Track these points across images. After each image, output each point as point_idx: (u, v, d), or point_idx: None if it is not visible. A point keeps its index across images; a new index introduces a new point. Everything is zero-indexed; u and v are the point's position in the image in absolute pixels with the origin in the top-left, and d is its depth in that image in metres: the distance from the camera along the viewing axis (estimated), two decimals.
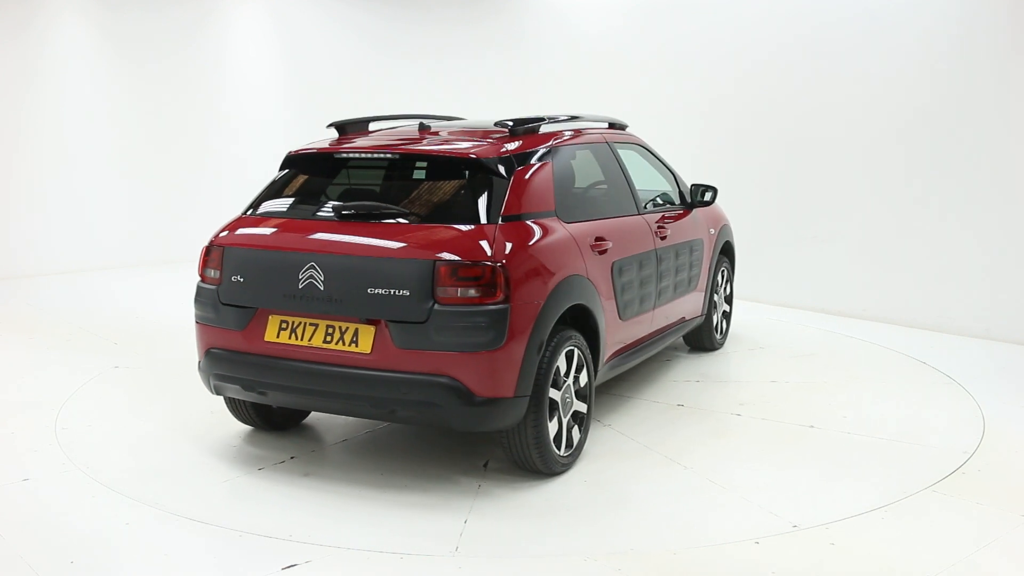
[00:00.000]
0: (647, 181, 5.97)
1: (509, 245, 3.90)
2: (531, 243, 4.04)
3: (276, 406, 4.56)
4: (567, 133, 4.85)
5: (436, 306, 3.77)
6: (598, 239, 4.57)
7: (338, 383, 3.94)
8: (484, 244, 3.84)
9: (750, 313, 7.76)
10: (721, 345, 6.61)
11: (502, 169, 4.13)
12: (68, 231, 9.90)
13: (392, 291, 3.82)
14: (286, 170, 4.58)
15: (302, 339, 4.02)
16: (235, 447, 4.64)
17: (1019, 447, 4.71)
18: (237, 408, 4.71)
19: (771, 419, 5.00)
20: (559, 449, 4.18)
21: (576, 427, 4.33)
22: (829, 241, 7.90)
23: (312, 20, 11.58)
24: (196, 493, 4.08)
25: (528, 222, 4.12)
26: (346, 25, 11.63)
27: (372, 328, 3.89)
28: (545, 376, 4.00)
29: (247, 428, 4.90)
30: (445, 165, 4.24)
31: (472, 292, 3.77)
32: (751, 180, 8.32)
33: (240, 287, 4.17)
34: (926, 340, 6.94)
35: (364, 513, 3.88)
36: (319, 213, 4.26)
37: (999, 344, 6.80)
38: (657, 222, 5.33)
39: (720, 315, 6.54)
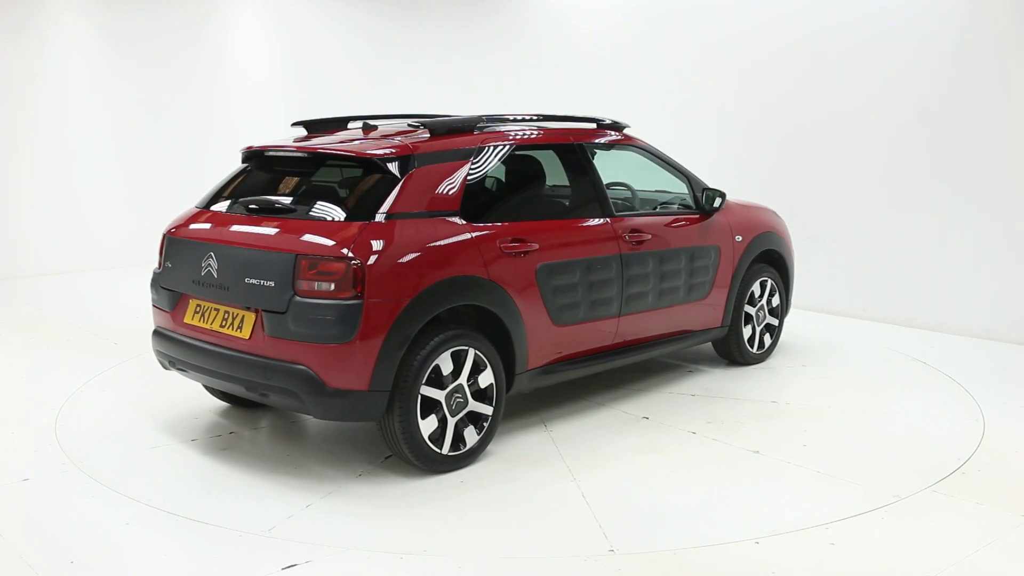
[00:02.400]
0: (650, 184, 5.92)
1: (373, 242, 4.00)
2: (402, 241, 4.09)
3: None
4: (509, 134, 4.82)
5: (295, 298, 3.98)
6: (516, 241, 4.53)
7: (225, 364, 4.25)
8: (344, 241, 3.99)
9: (830, 327, 7.37)
10: (761, 359, 6.21)
11: (393, 168, 4.24)
12: (68, 231, 9.90)
13: (262, 282, 4.09)
14: (242, 165, 4.88)
15: (207, 322, 4.37)
16: (258, 454, 4.64)
17: (1019, 447, 4.71)
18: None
19: (722, 440, 4.72)
20: (440, 448, 4.21)
21: (473, 428, 4.34)
22: (829, 241, 7.90)
23: (312, 20, 11.58)
24: (197, 492, 4.09)
25: (411, 221, 4.16)
26: (346, 25, 11.63)
27: (253, 315, 4.15)
28: (415, 373, 4.07)
29: (244, 423, 4.93)
30: (343, 164, 4.46)
31: (328, 286, 3.94)
32: (751, 180, 8.31)
33: (169, 272, 4.65)
34: (926, 340, 6.94)
35: (226, 487, 4.17)
36: (234, 207, 4.56)
37: (999, 344, 6.80)
38: (632, 226, 5.15)
39: (761, 328, 6.16)
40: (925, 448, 4.64)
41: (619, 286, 5.04)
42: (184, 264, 4.51)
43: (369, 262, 3.95)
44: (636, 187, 5.88)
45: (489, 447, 4.55)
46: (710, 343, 6.11)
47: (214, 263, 4.30)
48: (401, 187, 4.20)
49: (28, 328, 7.29)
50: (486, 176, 4.65)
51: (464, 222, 4.37)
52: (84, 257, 9.99)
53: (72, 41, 9.78)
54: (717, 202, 5.68)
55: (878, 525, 3.75)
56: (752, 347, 6.13)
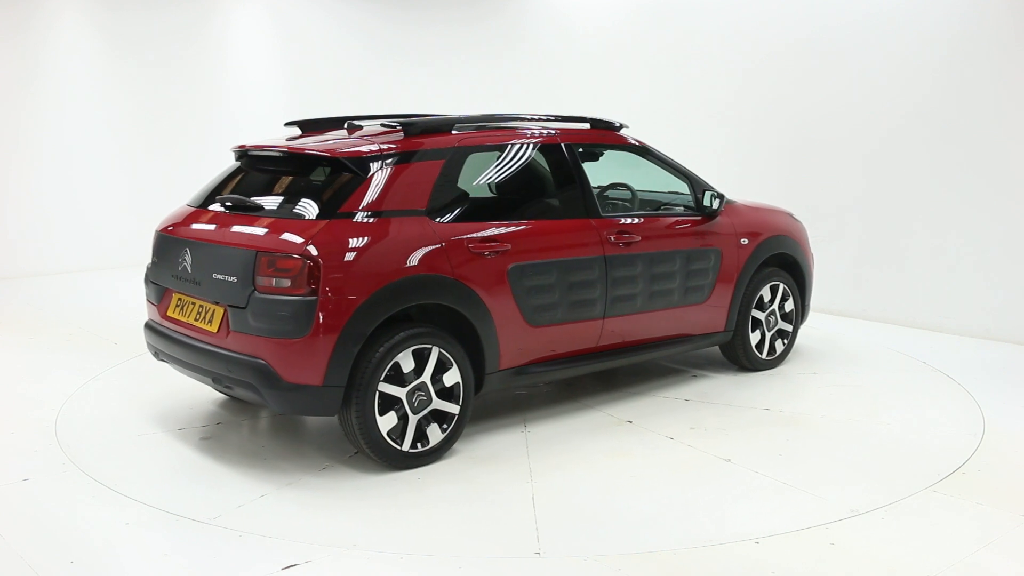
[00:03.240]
0: (657, 185, 5.84)
1: (329, 240, 4.08)
2: (360, 240, 4.15)
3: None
4: (487, 135, 4.83)
5: (255, 293, 4.09)
6: (485, 240, 4.53)
7: (197, 356, 4.40)
8: (302, 238, 4.08)
9: (832, 327, 7.19)
10: (772, 365, 6.03)
11: (358, 168, 4.32)
12: (68, 231, 9.90)
13: (226, 277, 4.22)
14: (235, 164, 4.98)
15: (185, 315, 4.52)
16: (234, 445, 4.65)
17: (1019, 447, 4.71)
18: None
19: (697, 447, 4.61)
20: (400, 445, 4.26)
21: (437, 426, 4.37)
22: (829, 241, 7.90)
23: (312, 20, 11.58)
24: (196, 492, 4.09)
25: (372, 220, 4.22)
26: (346, 25, 11.63)
27: (221, 310, 4.26)
28: (372, 370, 4.13)
29: (246, 422, 4.93)
30: (312, 163, 4.52)
31: (285, 283, 4.03)
32: (751, 181, 8.32)
33: (156, 267, 4.82)
34: (926, 340, 6.94)
35: (173, 474, 4.35)
36: (213, 205, 4.67)
37: (999, 344, 6.80)
38: (620, 228, 5.08)
39: (772, 334, 5.99)
40: (925, 448, 4.64)
41: (603, 288, 4.97)
42: (167, 259, 4.68)
43: (324, 260, 4.02)
44: (641, 188, 5.81)
45: (458, 445, 4.58)
46: (719, 348, 6.01)
47: (189, 258, 4.46)
48: (364, 187, 4.27)
49: (28, 328, 7.29)
50: (460, 176, 4.65)
51: (431, 221, 4.40)
52: (84, 257, 9.99)
53: (72, 41, 9.78)
54: (715, 204, 5.54)
55: (878, 525, 3.75)
56: (761, 353, 5.97)
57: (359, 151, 4.40)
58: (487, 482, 4.22)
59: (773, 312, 6.00)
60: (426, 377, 4.32)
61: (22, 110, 9.48)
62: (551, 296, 4.77)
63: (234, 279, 4.17)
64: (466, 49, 11.05)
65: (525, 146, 5.02)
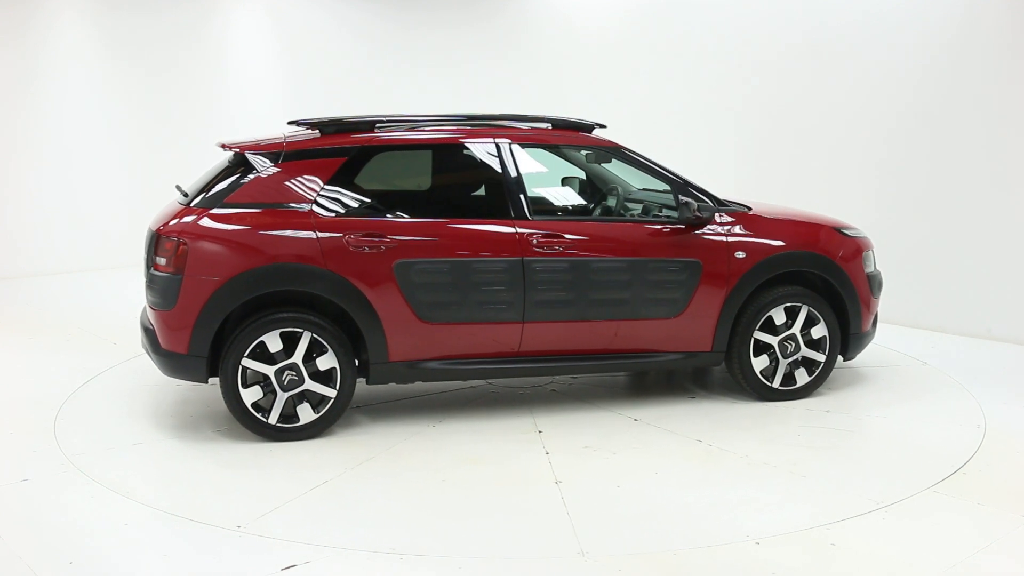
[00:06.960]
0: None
1: (200, 226, 4.60)
2: (230, 227, 4.61)
3: None
4: (405, 135, 5.02)
5: (151, 270, 4.69)
6: (368, 236, 4.69)
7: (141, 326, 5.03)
8: (179, 223, 4.64)
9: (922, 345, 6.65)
10: (790, 396, 5.33)
11: (253, 163, 4.79)
12: (68, 231, 9.90)
13: (145, 256, 4.81)
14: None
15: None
16: (235, 446, 4.64)
17: (1019, 447, 4.70)
18: None
19: (556, 466, 4.36)
20: (266, 417, 4.64)
21: (308, 406, 4.68)
22: None
23: (312, 20, 11.58)
24: (195, 493, 4.09)
25: (249, 211, 4.66)
26: (346, 25, 11.63)
27: None
28: (237, 346, 4.57)
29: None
30: (234, 158, 4.95)
31: (164, 261, 4.63)
32: (750, 181, 8.31)
33: None
34: (926, 340, 6.94)
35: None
36: (179, 196, 5.06)
37: (999, 344, 6.79)
38: (548, 230, 4.88)
39: (790, 362, 5.30)
40: (925, 448, 4.64)
41: (520, 291, 4.84)
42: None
43: (191, 243, 4.55)
44: (635, 191, 5.70)
45: (342, 428, 4.84)
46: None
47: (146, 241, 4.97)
48: (252, 181, 4.73)
49: (28, 328, 7.29)
50: (367, 175, 4.89)
51: (315, 216, 4.69)
52: (84, 257, 9.99)
53: (72, 41, 9.77)
54: (685, 213, 5.05)
55: (878, 525, 3.75)
56: (771, 381, 5.30)
57: (261, 147, 4.84)
58: (311, 464, 4.40)
59: (793, 337, 5.29)
60: (297, 359, 4.63)
61: (22, 110, 9.48)
62: (448, 295, 4.80)
63: (144, 256, 4.80)
64: (466, 49, 11.04)
65: (443, 146, 5.06)
